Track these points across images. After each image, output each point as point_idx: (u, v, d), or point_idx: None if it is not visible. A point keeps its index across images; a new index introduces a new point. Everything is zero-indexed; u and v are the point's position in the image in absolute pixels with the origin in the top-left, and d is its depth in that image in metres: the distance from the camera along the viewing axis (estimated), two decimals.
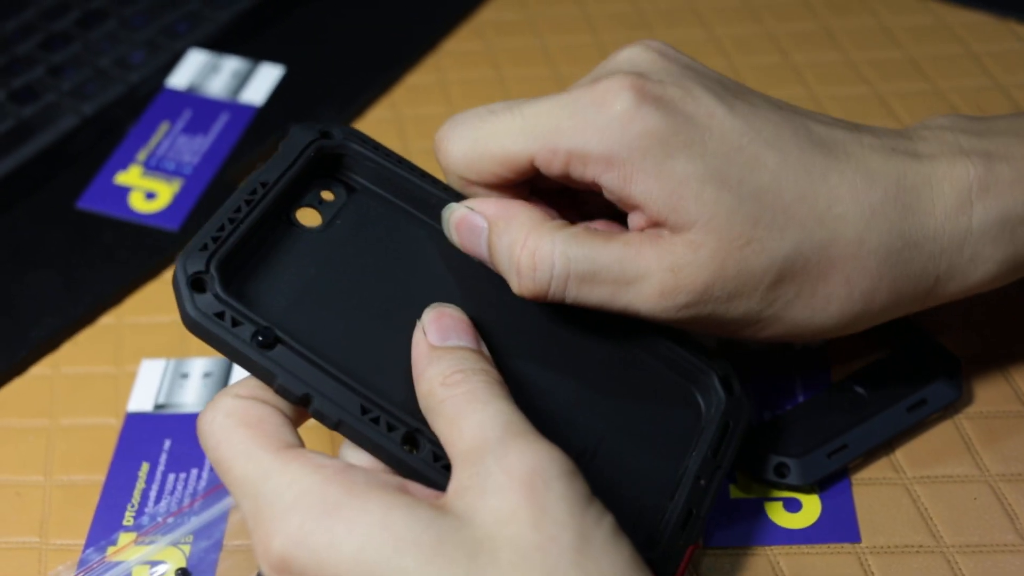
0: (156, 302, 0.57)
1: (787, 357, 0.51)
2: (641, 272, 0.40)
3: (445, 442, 0.37)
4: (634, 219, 0.41)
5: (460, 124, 0.43)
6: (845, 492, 0.46)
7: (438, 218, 0.43)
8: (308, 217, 0.42)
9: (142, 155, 0.63)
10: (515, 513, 0.34)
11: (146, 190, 0.61)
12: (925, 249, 0.41)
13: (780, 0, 0.72)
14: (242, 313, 0.38)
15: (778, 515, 0.46)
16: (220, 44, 0.70)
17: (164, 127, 0.65)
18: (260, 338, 0.38)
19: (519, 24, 0.72)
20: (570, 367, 0.43)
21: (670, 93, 0.41)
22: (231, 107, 0.66)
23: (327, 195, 0.43)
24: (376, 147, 0.44)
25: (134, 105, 0.66)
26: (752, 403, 0.44)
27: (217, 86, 0.67)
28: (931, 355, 0.49)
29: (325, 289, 0.41)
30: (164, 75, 0.68)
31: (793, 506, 0.46)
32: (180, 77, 0.67)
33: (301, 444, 0.38)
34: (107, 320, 0.56)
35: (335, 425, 0.38)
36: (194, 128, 0.64)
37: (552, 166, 0.41)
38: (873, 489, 0.46)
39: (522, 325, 0.43)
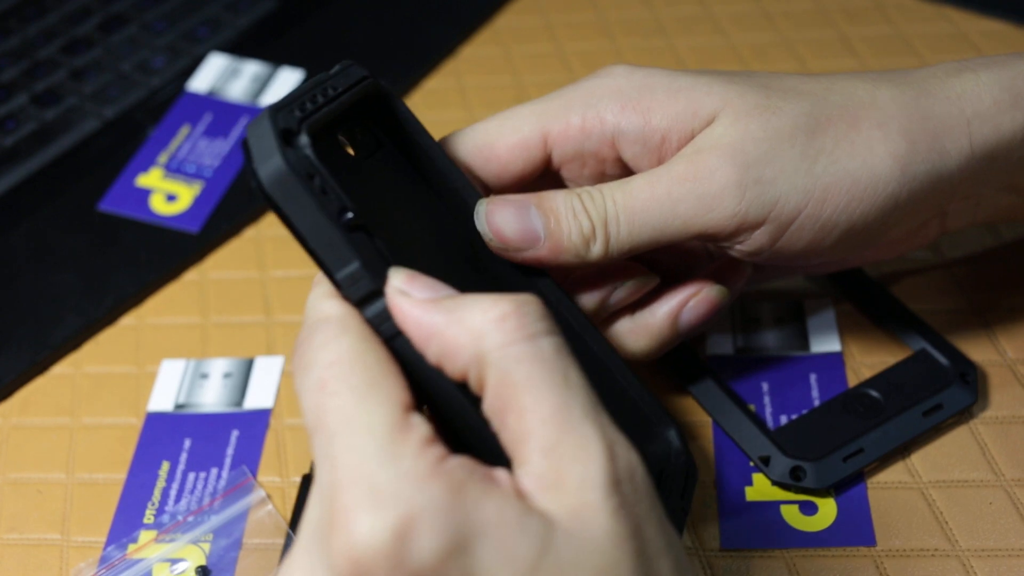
0: (177, 303, 0.57)
1: (804, 360, 0.51)
2: (692, 169, 0.41)
3: (511, 411, 0.32)
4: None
5: (466, 128, 0.45)
6: (861, 496, 0.46)
7: (453, 201, 0.42)
8: (347, 144, 0.41)
9: (163, 158, 0.64)
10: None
11: (167, 192, 0.62)
12: (940, 95, 0.42)
13: (797, 8, 0.72)
14: (331, 185, 0.34)
15: (794, 518, 0.46)
16: (240, 49, 0.70)
17: (185, 130, 0.65)
18: (349, 216, 0.34)
19: (537, 30, 0.72)
20: None
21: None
22: (251, 111, 0.66)
23: (363, 134, 0.41)
24: (409, 111, 0.42)
25: (155, 109, 0.67)
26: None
27: (237, 90, 0.67)
28: (947, 360, 0.49)
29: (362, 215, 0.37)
30: (185, 79, 0.68)
31: (809, 509, 0.46)
32: (201, 81, 0.68)
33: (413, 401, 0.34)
34: (128, 321, 0.57)
35: (391, 337, 0.34)
36: (215, 131, 0.65)
37: (568, 134, 0.44)
38: (889, 493, 0.47)
39: None
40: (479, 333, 0.32)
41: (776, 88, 0.42)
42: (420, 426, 0.32)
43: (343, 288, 0.34)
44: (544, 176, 0.45)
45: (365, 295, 0.34)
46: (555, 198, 0.42)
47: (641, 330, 0.45)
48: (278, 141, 0.34)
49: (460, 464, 0.31)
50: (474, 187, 0.43)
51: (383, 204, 0.39)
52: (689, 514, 0.43)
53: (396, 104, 0.42)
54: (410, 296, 0.34)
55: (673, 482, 0.42)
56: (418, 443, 0.31)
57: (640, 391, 0.43)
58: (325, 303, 0.35)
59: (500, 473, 0.32)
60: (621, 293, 0.45)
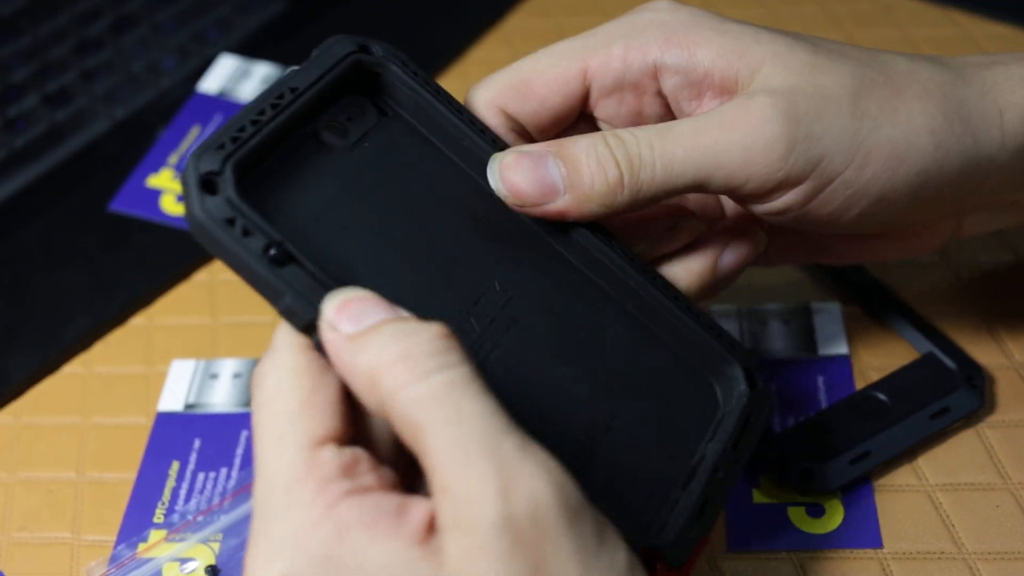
0: (187, 304, 0.58)
1: (811, 363, 0.51)
2: (729, 118, 0.40)
3: (417, 453, 0.32)
4: (706, 107, 0.42)
5: (502, 69, 0.43)
6: (868, 498, 0.47)
7: (470, 160, 0.41)
8: (332, 133, 0.40)
9: (173, 158, 0.64)
10: None
11: (177, 193, 0.62)
12: (974, 83, 0.42)
13: (805, 12, 0.72)
14: (254, 223, 0.34)
15: (801, 520, 0.46)
16: (250, 50, 0.71)
17: (195, 131, 0.65)
18: (272, 252, 0.34)
19: (545, 32, 0.72)
20: (586, 339, 0.40)
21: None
22: None
23: (356, 113, 0.40)
24: (416, 73, 0.41)
25: (165, 109, 0.67)
26: (773, 401, 0.42)
27: (247, 91, 0.68)
28: (954, 363, 0.50)
29: (343, 213, 0.38)
30: (195, 80, 0.69)
31: (816, 511, 0.46)
32: (211, 82, 0.68)
33: (341, 428, 0.34)
34: (138, 321, 0.57)
35: None
36: None
37: (609, 64, 0.42)
38: (895, 496, 0.47)
39: (541, 289, 0.40)
40: (373, 380, 0.32)
41: (822, 48, 0.41)
42: (328, 462, 0.32)
43: (286, 319, 0.35)
44: (579, 123, 0.44)
45: (306, 324, 0.34)
46: (576, 145, 0.40)
47: (682, 273, 0.44)
48: (196, 190, 0.34)
49: (358, 504, 0.31)
50: (488, 145, 0.41)
51: (367, 190, 0.39)
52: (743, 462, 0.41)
53: (387, 73, 0.41)
54: (336, 331, 0.33)
55: (726, 431, 0.40)
56: (317, 484, 0.32)
57: (697, 332, 0.42)
58: (278, 331, 0.35)
59: (416, 507, 0.32)
60: (671, 237, 0.44)
